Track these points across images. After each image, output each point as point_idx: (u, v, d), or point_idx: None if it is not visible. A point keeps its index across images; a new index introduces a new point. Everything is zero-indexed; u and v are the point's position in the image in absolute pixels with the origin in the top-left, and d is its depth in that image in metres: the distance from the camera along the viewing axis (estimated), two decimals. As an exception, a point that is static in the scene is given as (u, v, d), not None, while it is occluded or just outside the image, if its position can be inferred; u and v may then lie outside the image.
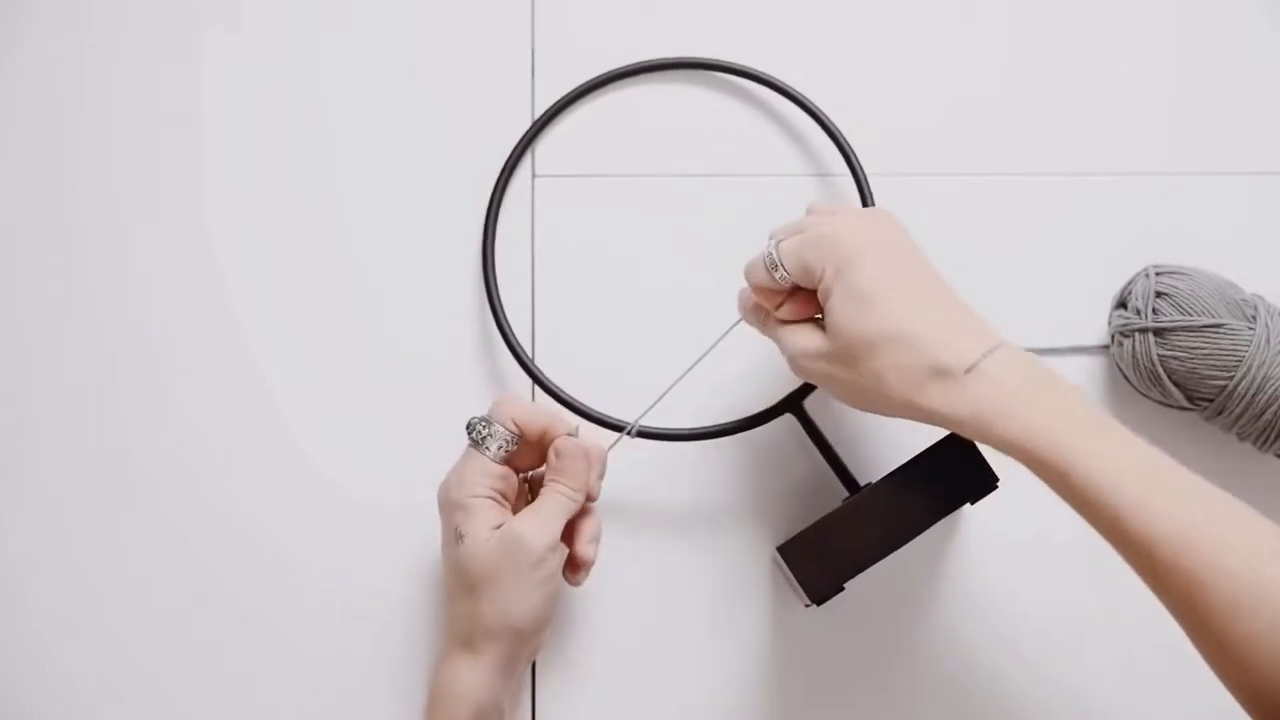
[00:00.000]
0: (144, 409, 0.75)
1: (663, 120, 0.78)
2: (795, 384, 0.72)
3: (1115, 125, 0.79)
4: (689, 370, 0.71)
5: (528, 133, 0.77)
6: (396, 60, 0.78)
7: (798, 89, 0.76)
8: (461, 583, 0.66)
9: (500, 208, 0.76)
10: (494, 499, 0.67)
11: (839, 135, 0.75)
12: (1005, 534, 0.75)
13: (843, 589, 0.66)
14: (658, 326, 0.76)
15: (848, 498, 0.69)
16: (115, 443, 0.75)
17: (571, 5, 0.79)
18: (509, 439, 0.67)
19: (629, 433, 0.71)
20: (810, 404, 0.72)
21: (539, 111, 0.77)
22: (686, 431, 0.73)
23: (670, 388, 0.71)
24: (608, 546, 0.72)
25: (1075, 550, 0.74)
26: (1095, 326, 0.76)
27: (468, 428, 0.68)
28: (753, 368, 0.74)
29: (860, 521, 0.66)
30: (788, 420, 0.73)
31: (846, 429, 0.74)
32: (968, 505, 0.67)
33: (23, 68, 0.78)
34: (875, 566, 0.66)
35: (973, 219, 0.78)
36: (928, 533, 0.66)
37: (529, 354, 0.75)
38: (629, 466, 0.73)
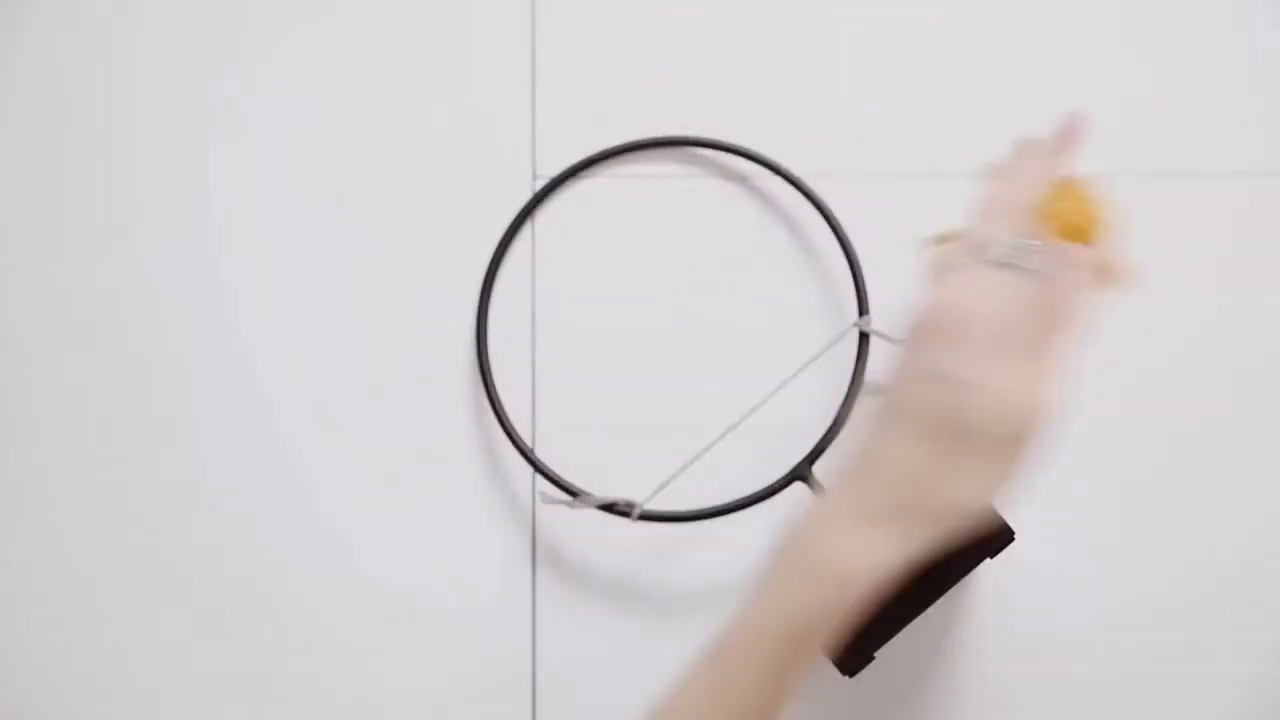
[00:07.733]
0: (144, 414, 0.76)
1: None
2: (803, 450, 0.72)
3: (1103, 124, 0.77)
4: (717, 441, 0.70)
5: (528, 204, 0.77)
6: (398, 68, 0.78)
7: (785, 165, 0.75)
8: None
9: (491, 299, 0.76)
10: None
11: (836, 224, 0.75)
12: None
13: (873, 659, 0.66)
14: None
15: (866, 562, 0.68)
16: (114, 446, 0.76)
17: (572, 9, 0.78)
18: None
19: (632, 517, 0.70)
20: (819, 469, 0.72)
21: (539, 115, 0.77)
22: (693, 513, 0.72)
23: (696, 457, 0.69)
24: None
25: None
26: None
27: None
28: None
29: (882, 589, 0.66)
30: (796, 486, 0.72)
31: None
32: (986, 561, 0.66)
33: (23, 68, 0.78)
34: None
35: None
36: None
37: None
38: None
